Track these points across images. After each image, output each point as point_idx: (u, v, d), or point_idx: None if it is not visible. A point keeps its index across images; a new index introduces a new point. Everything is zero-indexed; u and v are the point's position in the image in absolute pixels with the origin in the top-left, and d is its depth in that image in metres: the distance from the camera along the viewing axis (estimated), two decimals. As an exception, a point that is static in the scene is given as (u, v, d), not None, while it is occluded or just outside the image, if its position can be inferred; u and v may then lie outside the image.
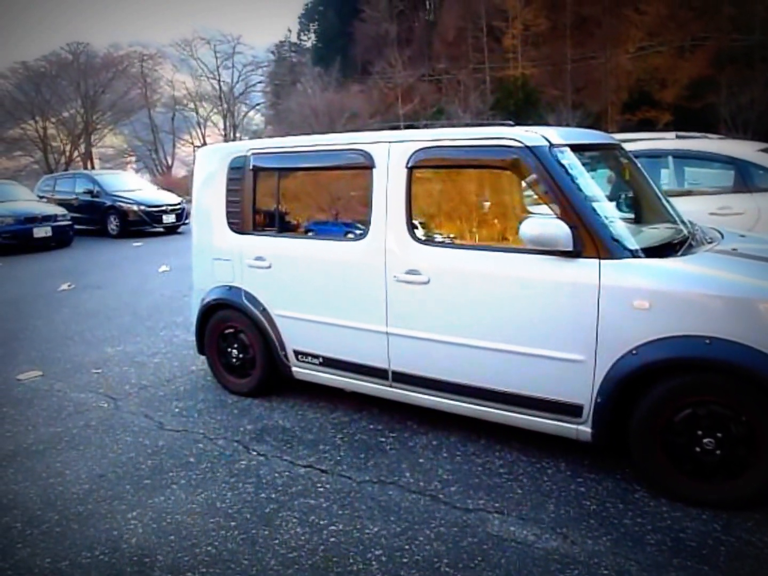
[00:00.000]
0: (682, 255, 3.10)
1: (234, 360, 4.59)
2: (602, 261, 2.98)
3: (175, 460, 3.67)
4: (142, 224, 15.16)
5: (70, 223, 13.92)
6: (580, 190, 3.09)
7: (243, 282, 4.37)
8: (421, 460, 3.54)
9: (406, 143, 3.58)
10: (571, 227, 3.00)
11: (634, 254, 2.99)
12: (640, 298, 2.89)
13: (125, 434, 4.05)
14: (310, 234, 4.20)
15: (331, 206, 4.23)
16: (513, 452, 3.57)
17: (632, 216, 3.73)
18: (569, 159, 3.19)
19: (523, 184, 3.35)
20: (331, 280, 3.92)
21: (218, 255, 4.51)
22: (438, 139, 3.50)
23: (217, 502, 3.20)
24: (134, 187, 16.35)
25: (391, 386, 3.82)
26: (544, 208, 3.22)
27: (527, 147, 3.18)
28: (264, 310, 4.28)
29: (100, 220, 15.39)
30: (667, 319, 2.87)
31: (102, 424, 4.22)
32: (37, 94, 38.66)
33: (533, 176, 3.18)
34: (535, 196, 3.29)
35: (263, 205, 4.32)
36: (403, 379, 3.73)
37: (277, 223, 4.24)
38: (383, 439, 3.81)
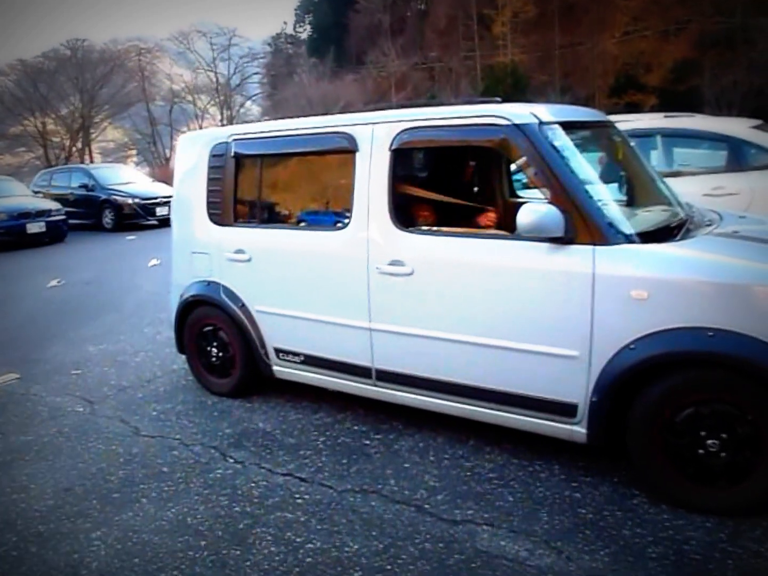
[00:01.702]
0: (681, 239, 2.86)
1: (214, 359, 4.37)
2: (597, 248, 2.75)
3: (147, 470, 3.46)
4: (136, 217, 14.98)
5: (64, 217, 13.73)
6: (573, 171, 2.86)
7: (222, 277, 4.15)
8: (406, 465, 3.32)
9: (389, 124, 3.34)
10: (563, 212, 2.76)
11: (630, 240, 2.75)
12: (637, 288, 2.66)
13: (98, 442, 3.84)
14: (291, 225, 3.96)
15: (314, 194, 3.99)
16: (503, 454, 3.35)
17: (625, 198, 3.49)
18: (561, 138, 2.95)
19: (513, 166, 3.10)
20: (312, 274, 3.69)
21: (197, 248, 4.29)
22: (422, 118, 3.26)
23: (188, 518, 2.98)
24: (129, 180, 16.15)
25: (375, 385, 3.60)
26: (535, 192, 2.99)
27: (515, 125, 2.94)
28: (243, 306, 4.06)
29: (95, 214, 15.23)
30: (667, 310, 2.63)
31: (75, 431, 4.01)
32: (35, 91, 38.38)
33: (522, 157, 2.94)
34: (526, 179, 3.04)
35: (244, 194, 4.09)
36: (387, 377, 3.51)
37: (257, 214, 4.02)
38: (368, 442, 3.59)
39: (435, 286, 3.20)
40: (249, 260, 3.95)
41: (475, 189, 4.44)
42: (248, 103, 49.86)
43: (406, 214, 3.42)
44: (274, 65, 49.51)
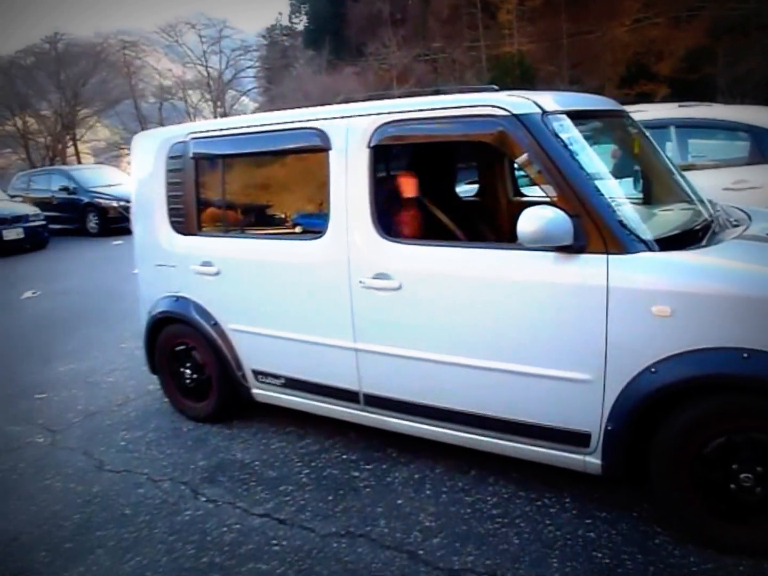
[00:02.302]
0: (707, 245, 2.48)
1: (188, 381, 3.99)
2: (611, 257, 2.37)
3: (107, 512, 3.09)
4: (122, 221, 14.44)
5: (44, 223, 13.24)
6: (582, 168, 2.47)
7: (191, 291, 3.77)
8: (399, 501, 2.95)
9: (367, 117, 2.95)
10: (571, 216, 2.38)
11: (649, 247, 2.37)
12: (660, 303, 2.28)
13: (56, 479, 3.46)
14: (261, 233, 3.57)
15: (285, 199, 3.60)
16: (509, 485, 2.98)
17: (641, 197, 3.12)
18: (567, 130, 2.57)
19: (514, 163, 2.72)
20: (286, 288, 3.31)
21: (162, 260, 3.90)
22: (406, 110, 2.86)
23: (148, 572, 2.61)
24: (114, 181, 15.57)
25: (363, 411, 3.22)
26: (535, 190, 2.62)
27: (514, 116, 2.55)
28: (216, 325, 3.67)
29: (78, 218, 14.73)
30: (694, 329, 2.26)
31: (32, 467, 3.63)
32: (12, 88, 37.25)
33: (524, 153, 2.56)
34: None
35: (208, 200, 3.71)
36: (376, 402, 3.14)
37: (223, 222, 3.63)
38: (357, 474, 3.22)
39: (426, 302, 2.83)
40: (218, 273, 3.56)
41: (471, 190, 4.08)
42: (243, 99, 49.14)
43: (391, 220, 3.05)
44: (269, 58, 48.77)
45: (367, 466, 3.28)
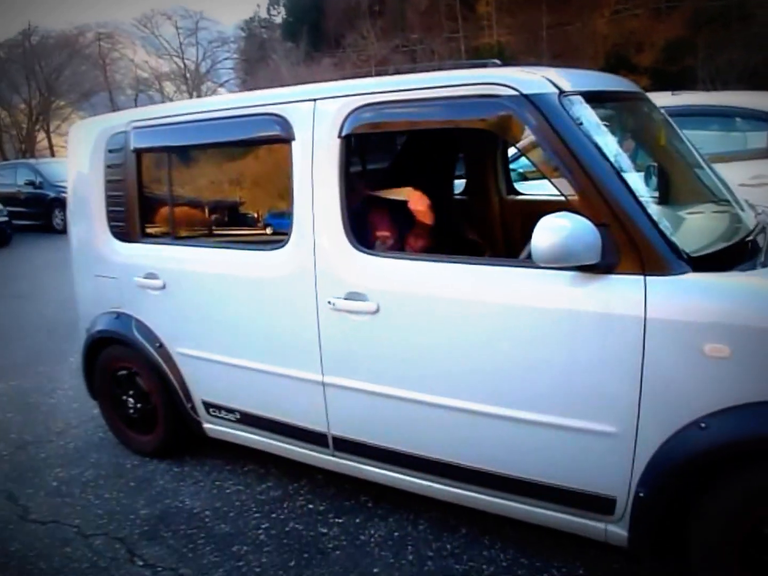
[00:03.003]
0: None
1: (132, 411, 3.42)
2: (650, 278, 1.84)
3: (19, 584, 2.52)
4: (90, 217, 13.83)
5: (6, 219, 12.55)
6: (612, 163, 1.95)
7: (133, 308, 3.20)
8: (376, 570, 2.42)
9: (338, 100, 2.39)
10: (598, 226, 1.85)
11: (699, 266, 1.85)
12: (715, 340, 1.76)
13: (-35, 535, 2.89)
14: (213, 241, 3.00)
15: (241, 200, 3.02)
16: (508, 549, 2.47)
17: (655, 195, 2.60)
18: (590, 115, 2.04)
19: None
20: (243, 307, 2.76)
21: (101, 270, 3.32)
22: (386, 90, 2.30)
23: None
24: (81, 175, 14.90)
25: (333, 456, 2.68)
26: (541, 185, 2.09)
27: (525, 96, 2.01)
28: (161, 347, 3.11)
29: (44, 213, 14.07)
30: (760, 374, 1.74)
31: (-61, 516, 3.05)
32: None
33: (535, 143, 2.03)
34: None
35: (152, 201, 3.13)
36: (349, 448, 2.60)
37: (169, 227, 3.05)
38: (325, 531, 2.68)
39: (410, 330, 2.28)
40: (163, 287, 3.00)
41: (465, 189, 3.55)
42: (220, 90, 48.24)
43: (367, 228, 2.50)
44: (247, 51, 48.03)
45: (338, 520, 2.75)
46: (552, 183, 2.05)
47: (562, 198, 2.03)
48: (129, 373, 3.37)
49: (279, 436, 2.83)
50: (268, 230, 2.82)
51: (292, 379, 2.64)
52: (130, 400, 3.39)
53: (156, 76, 44.80)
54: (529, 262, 1.98)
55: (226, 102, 2.78)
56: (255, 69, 43.25)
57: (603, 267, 1.87)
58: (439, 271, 2.23)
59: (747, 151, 4.89)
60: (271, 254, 2.60)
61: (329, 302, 2.40)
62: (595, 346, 1.93)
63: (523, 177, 5.31)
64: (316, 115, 2.41)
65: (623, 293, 1.87)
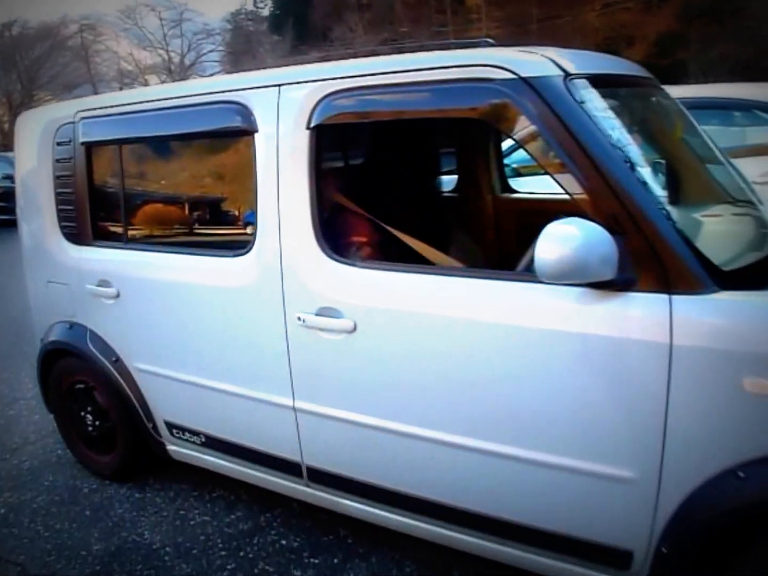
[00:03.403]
0: None
1: (90, 428, 3.10)
2: (677, 297, 1.54)
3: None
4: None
5: (-17, 214, 12.13)
6: (630, 161, 1.64)
7: (87, 318, 2.88)
8: (356, 624, 2.12)
9: (306, 85, 2.07)
10: (614, 233, 1.55)
11: (731, 282, 1.55)
12: (756, 373, 1.46)
13: None
14: (170, 246, 2.66)
15: (201, 200, 2.69)
16: (506, 595, 2.17)
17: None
18: (601, 104, 1.74)
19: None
20: (205, 320, 2.44)
21: (53, 275, 3.00)
22: (361, 74, 1.98)
23: None
24: (60, 169, 14.45)
25: (308, 486, 2.38)
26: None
27: (523, 80, 1.71)
28: (117, 362, 2.80)
29: (22, 208, 13.58)
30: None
31: None
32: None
33: (535, 134, 1.73)
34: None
35: (104, 200, 2.81)
36: (325, 479, 2.30)
37: (123, 229, 2.72)
38: (299, 574, 2.38)
39: (393, 352, 1.98)
40: (117, 296, 2.68)
41: (456, 189, 3.23)
42: (205, 83, 47.64)
43: (342, 233, 2.19)
44: (233, 43, 47.44)
45: (313, 560, 2.45)
46: (557, 182, 1.74)
47: (565, 197, 1.73)
48: (86, 388, 3.05)
49: (249, 463, 2.53)
50: (231, 234, 2.50)
51: (260, 402, 2.33)
52: (88, 416, 3.08)
53: (140, 69, 44.13)
54: (530, 275, 1.68)
55: (182, 89, 2.45)
56: (241, 62, 42.72)
57: (620, 283, 1.57)
58: (425, 285, 1.92)
59: (746, 147, 4.58)
60: (234, 261, 2.28)
61: (298, 318, 2.09)
62: (610, 377, 1.63)
63: (517, 173, 5.00)
64: (282, 103, 2.09)
65: (644, 315, 1.57)
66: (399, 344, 1.95)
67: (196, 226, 2.68)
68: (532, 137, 1.75)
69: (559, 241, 1.51)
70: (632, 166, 1.65)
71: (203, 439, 2.64)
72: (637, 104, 2.19)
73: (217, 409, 2.52)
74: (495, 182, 3.32)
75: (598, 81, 1.83)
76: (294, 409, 2.24)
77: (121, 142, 2.65)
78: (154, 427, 2.81)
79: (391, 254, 2.15)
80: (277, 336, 2.17)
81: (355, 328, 2.00)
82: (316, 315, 2.06)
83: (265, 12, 50.61)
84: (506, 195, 3.32)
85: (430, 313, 1.88)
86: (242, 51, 43.76)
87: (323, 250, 2.05)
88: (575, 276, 1.53)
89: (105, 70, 43.35)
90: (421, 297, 1.91)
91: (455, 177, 3.38)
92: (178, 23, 44.23)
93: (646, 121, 2.25)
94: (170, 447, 2.83)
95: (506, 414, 1.81)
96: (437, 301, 1.88)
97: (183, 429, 2.70)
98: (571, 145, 1.65)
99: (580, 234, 1.52)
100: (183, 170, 2.75)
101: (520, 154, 5.39)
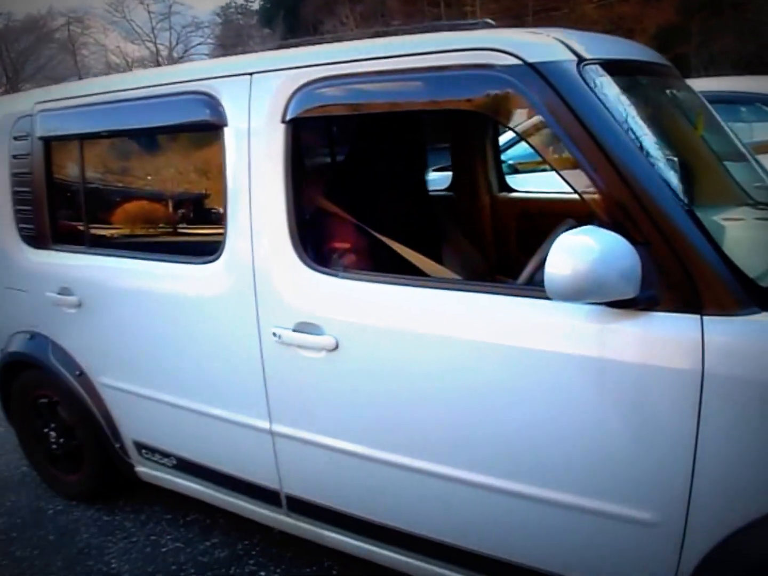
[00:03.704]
0: None
1: (55, 446, 2.87)
2: (709, 318, 1.32)
3: None
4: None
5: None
6: (652, 158, 1.43)
7: (49, 328, 2.65)
8: None
9: (282, 73, 1.84)
10: (636, 244, 1.34)
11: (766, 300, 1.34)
12: None
13: None
14: (136, 249, 2.41)
15: (167, 201, 2.45)
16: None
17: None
18: (617, 95, 1.52)
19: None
20: (171, 333, 2.22)
21: (11, 282, 2.77)
22: (344, 60, 1.74)
23: None
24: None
25: (288, 516, 2.16)
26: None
27: (530, 66, 1.48)
28: (82, 376, 2.57)
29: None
30: None
31: None
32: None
33: (543, 128, 1.51)
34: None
35: (64, 200, 2.57)
36: (306, 509, 2.09)
37: (85, 232, 2.49)
38: (278, 611, 2.17)
39: (379, 373, 1.76)
40: (79, 305, 2.45)
41: (450, 188, 3.01)
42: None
43: (322, 240, 1.97)
44: (222, 37, 47.00)
45: (296, 594, 2.23)
46: (567, 182, 1.52)
47: (572, 197, 1.52)
48: (50, 403, 2.83)
49: (224, 488, 2.31)
50: (200, 239, 2.27)
51: (235, 424, 2.11)
52: (52, 433, 2.85)
53: (128, 62, 43.55)
54: (537, 289, 1.47)
55: (146, 78, 2.21)
56: (230, 55, 42.35)
57: (643, 302, 1.36)
58: (417, 299, 1.70)
59: (755, 143, 4.36)
60: (202, 269, 2.05)
61: (274, 333, 1.87)
62: (630, 408, 1.42)
63: (514, 169, 4.77)
64: (254, 94, 1.85)
65: (671, 338, 1.35)
66: (386, 365, 1.73)
67: (163, 228, 2.44)
68: (539, 131, 1.53)
69: (574, 254, 1.29)
70: (656, 165, 1.44)
71: (174, 462, 2.42)
72: (656, 95, 1.97)
73: (189, 430, 2.30)
74: (492, 180, 3.10)
75: (614, 68, 1.62)
76: (271, 432, 2.02)
77: (81, 136, 2.41)
78: (122, 447, 2.58)
79: (378, 263, 1.93)
80: (250, 353, 1.95)
81: (337, 346, 1.77)
82: (294, 331, 1.84)
83: (255, 5, 50.18)
84: (504, 194, 3.11)
85: (422, 332, 1.66)
86: (232, 44, 43.32)
87: (301, 257, 1.82)
88: (592, 294, 1.32)
89: (92, 63, 42.77)
90: (412, 312, 1.69)
91: (448, 174, 3.16)
92: (167, 16, 43.72)
93: (666, 114, 2.02)
94: (139, 468, 2.60)
95: (510, 447, 1.60)
96: (430, 317, 1.66)
97: (153, 450, 2.48)
98: (586, 140, 1.43)
99: (598, 245, 1.30)
100: (149, 168, 2.50)
101: (516, 149, 5.18)
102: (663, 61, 2.11)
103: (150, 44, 44.34)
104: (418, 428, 1.73)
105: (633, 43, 2.16)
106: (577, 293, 1.31)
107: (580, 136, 1.44)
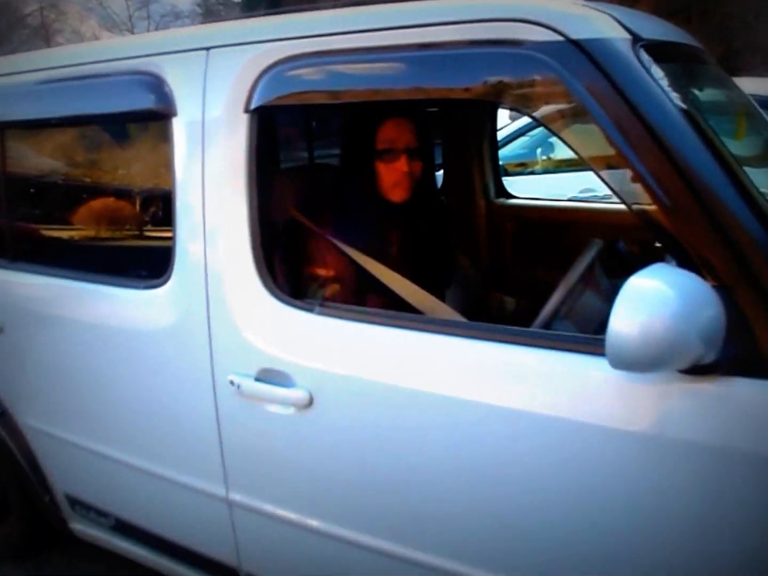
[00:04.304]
0: None
1: (-24, 492, 2.44)
2: None
3: None
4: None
5: None
6: (729, 167, 1.06)
7: (-34, 356, 2.21)
8: None
9: (246, 48, 1.42)
10: (717, 285, 0.96)
11: None
12: None
13: None
14: (68, 267, 1.97)
15: (104, 208, 2.01)
16: None
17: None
18: (682, 83, 1.16)
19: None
20: (109, 372, 1.80)
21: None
22: (324, 33, 1.33)
23: None
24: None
25: (249, 598, 1.76)
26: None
27: (573, 43, 1.10)
28: (4, 415, 2.14)
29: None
30: None
31: None
32: None
33: (587, 122, 1.11)
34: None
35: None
36: (270, 593, 1.68)
37: (7, 243, 2.05)
38: None
39: (363, 438, 1.36)
40: (1, 331, 2.02)
41: (443, 188, 2.60)
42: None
43: (294, 264, 1.56)
44: (203, 27, 46.53)
45: None
46: (614, 191, 1.13)
47: (589, 206, 1.18)
48: (-30, 443, 2.39)
49: (174, 559, 1.90)
50: (142, 257, 1.85)
51: (185, 488, 1.70)
52: (-27, 479, 2.41)
53: (105, 50, 42.81)
54: (570, 342, 1.09)
55: (79, 54, 1.79)
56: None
57: (724, 365, 0.98)
58: (413, 345, 1.30)
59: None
60: (145, 295, 1.63)
61: (231, 382, 1.46)
62: (708, 500, 1.04)
63: (504, 171, 4.40)
64: (210, 74, 1.44)
65: (762, 414, 0.98)
66: (371, 430, 1.33)
67: (101, 243, 2.01)
68: (584, 128, 1.15)
69: (648, 308, 0.90)
70: (737, 176, 1.07)
71: (113, 522, 2.01)
72: (711, 88, 1.59)
73: (130, 489, 1.89)
74: (489, 184, 2.70)
75: (673, 52, 1.25)
76: (228, 501, 1.61)
77: (3, 126, 1.97)
78: (52, 500, 2.16)
79: (365, 294, 1.53)
80: (202, 403, 1.54)
81: (311, 402, 1.37)
82: (257, 380, 1.43)
83: (237, -4, 49.64)
84: (501, 200, 2.70)
85: (420, 389, 1.27)
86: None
87: (266, 286, 1.41)
88: (667, 362, 0.93)
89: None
90: (409, 363, 1.29)
91: (438, 174, 2.74)
92: (145, 4, 42.86)
93: (724, 110, 1.65)
94: (73, 525, 2.18)
95: (536, 544, 1.21)
96: (431, 370, 1.27)
97: (88, 507, 2.06)
98: (648, 142, 1.05)
99: (673, 292, 0.92)
100: (84, 168, 2.05)
101: (506, 149, 4.84)
102: (696, 43, 1.72)
103: (127, 33, 43.52)
104: (414, 511, 1.34)
105: (674, 26, 1.76)
106: (653, 361, 0.92)
107: (641, 138, 1.06)
